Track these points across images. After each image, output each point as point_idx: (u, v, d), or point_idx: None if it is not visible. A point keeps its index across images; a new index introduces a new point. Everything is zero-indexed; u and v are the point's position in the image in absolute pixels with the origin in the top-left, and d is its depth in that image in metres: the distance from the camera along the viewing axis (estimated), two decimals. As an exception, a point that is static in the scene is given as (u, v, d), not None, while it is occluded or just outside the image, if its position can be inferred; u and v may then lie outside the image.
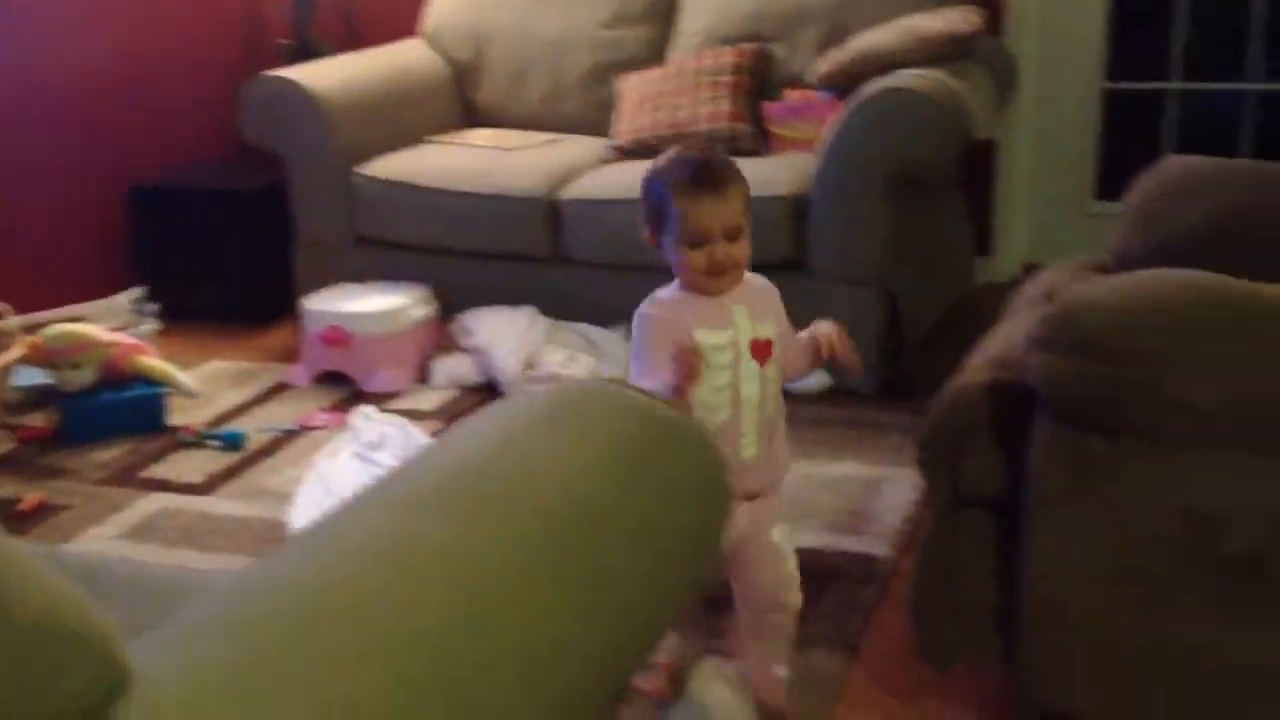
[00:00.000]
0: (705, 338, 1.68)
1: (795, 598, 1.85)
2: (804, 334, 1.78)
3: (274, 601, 0.90)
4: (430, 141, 3.69)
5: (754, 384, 1.72)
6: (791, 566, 1.84)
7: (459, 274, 3.42)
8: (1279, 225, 1.98)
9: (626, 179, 3.29)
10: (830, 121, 3.08)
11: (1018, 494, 1.69)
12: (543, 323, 3.23)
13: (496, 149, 3.59)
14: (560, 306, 3.32)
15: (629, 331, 3.53)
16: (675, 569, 1.12)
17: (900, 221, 3.10)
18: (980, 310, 2.69)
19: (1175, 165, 2.17)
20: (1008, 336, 1.89)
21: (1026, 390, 1.65)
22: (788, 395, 1.79)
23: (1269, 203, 2.04)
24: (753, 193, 1.77)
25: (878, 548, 2.44)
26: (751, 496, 1.75)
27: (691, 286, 1.71)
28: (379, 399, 3.13)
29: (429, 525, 0.97)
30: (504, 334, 3.17)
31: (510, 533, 0.98)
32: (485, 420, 1.16)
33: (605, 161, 3.49)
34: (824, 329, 1.75)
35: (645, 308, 1.73)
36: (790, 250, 3.08)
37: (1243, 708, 1.63)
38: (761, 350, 1.72)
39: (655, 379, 1.61)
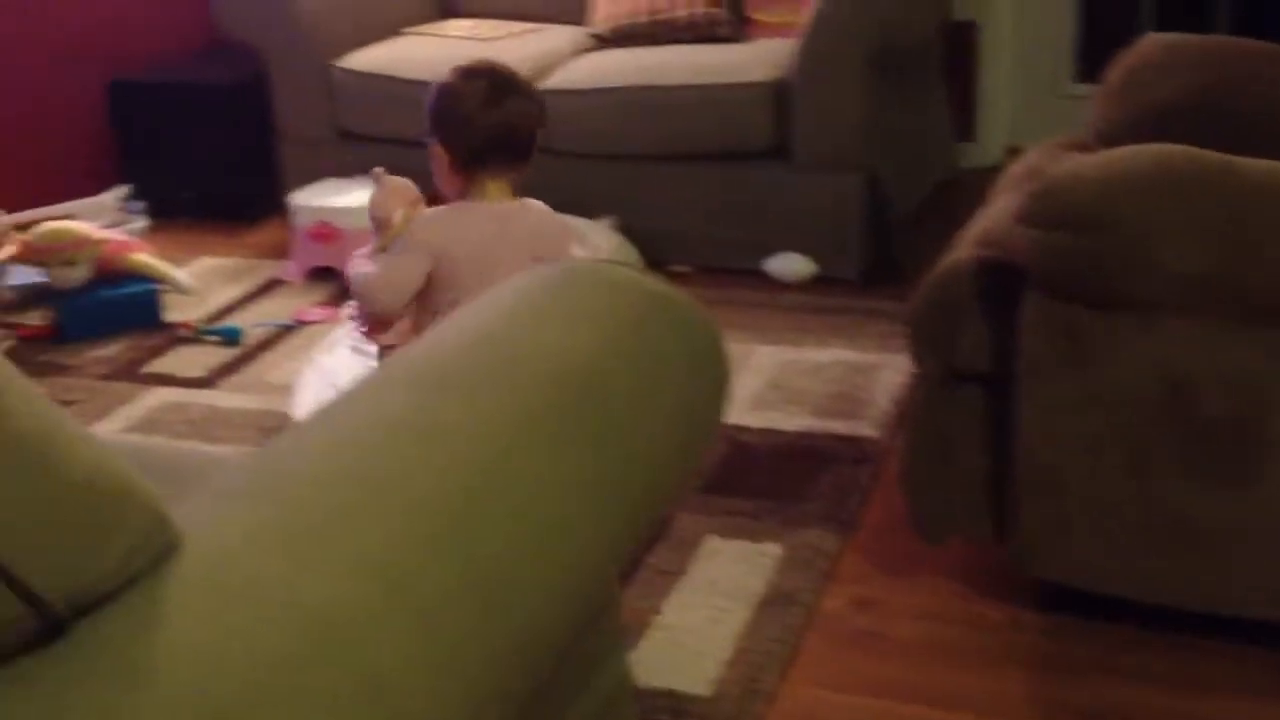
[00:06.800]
0: None
1: None
2: None
3: (299, 468, 0.92)
4: (406, 33, 3.66)
5: None
6: None
7: (444, 167, 3.41)
8: (1254, 99, 2.01)
9: (606, 67, 3.29)
10: (809, 4, 3.08)
11: (1006, 368, 1.74)
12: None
13: (473, 39, 3.57)
14: (545, 197, 3.32)
15: (614, 221, 3.53)
16: (675, 442, 1.13)
17: (882, 105, 3.11)
18: (963, 195, 2.71)
19: (1153, 42, 2.18)
20: (994, 215, 1.93)
21: (1013, 266, 1.69)
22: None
23: (1245, 77, 2.07)
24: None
25: (870, 430, 2.47)
26: None
27: None
28: (370, 293, 3.15)
29: (435, 400, 0.99)
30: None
31: (515, 407, 0.99)
32: (484, 301, 1.17)
33: (585, 50, 3.48)
34: None
35: None
36: (771, 138, 3.10)
37: (1227, 565, 1.70)
38: None
39: None
